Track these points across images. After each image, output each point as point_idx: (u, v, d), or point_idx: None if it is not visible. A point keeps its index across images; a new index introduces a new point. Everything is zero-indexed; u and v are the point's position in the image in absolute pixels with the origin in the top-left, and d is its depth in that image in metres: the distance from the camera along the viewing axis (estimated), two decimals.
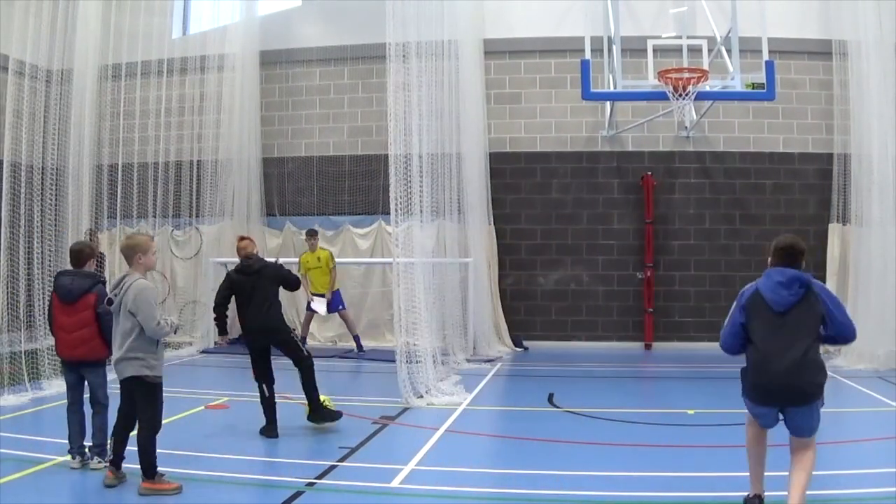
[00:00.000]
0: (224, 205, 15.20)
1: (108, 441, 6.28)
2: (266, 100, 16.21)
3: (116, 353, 5.90)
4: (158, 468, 5.86)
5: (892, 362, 11.64)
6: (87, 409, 6.58)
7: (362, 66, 15.76)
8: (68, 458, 6.46)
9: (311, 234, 14.20)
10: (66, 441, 6.52)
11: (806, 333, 4.94)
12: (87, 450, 6.47)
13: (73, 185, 12.64)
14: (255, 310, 7.80)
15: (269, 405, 7.78)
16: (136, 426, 5.95)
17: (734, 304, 5.23)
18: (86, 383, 6.57)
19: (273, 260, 8.55)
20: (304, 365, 7.92)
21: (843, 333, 5.04)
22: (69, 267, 6.68)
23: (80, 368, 6.47)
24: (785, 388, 4.90)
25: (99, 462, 6.33)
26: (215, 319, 8.15)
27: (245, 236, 8.37)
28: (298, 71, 16.19)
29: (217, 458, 6.84)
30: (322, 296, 13.66)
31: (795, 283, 4.99)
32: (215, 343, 12.94)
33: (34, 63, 10.78)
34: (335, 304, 13.82)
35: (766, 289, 5.05)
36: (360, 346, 13.89)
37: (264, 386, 7.81)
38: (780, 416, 5.10)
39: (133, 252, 5.97)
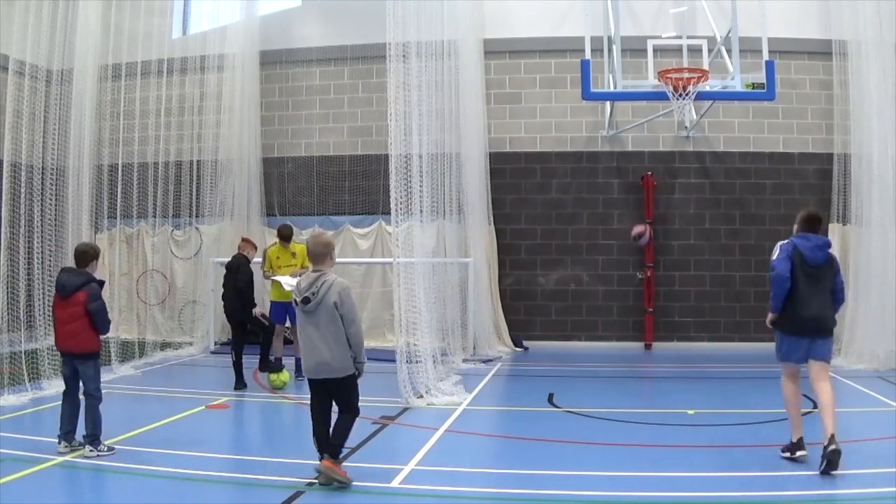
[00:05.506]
0: (224, 205, 15.18)
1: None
2: (266, 100, 16.21)
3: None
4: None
5: (892, 362, 11.62)
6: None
7: (362, 66, 15.76)
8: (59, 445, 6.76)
9: None
10: None
11: (827, 285, 6.51)
12: (79, 437, 6.78)
13: (73, 185, 12.62)
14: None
15: (237, 367, 10.15)
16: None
17: (777, 253, 6.45)
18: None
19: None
20: (265, 332, 10.43)
21: (842, 291, 6.68)
22: (72, 265, 7.05)
23: (75, 361, 6.84)
24: (817, 323, 6.42)
25: (91, 450, 6.62)
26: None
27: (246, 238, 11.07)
28: (298, 71, 16.19)
29: (217, 458, 6.85)
30: None
31: (826, 247, 6.52)
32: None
33: (34, 63, 10.76)
34: None
35: (804, 248, 6.44)
36: None
37: (233, 352, 10.24)
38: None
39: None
